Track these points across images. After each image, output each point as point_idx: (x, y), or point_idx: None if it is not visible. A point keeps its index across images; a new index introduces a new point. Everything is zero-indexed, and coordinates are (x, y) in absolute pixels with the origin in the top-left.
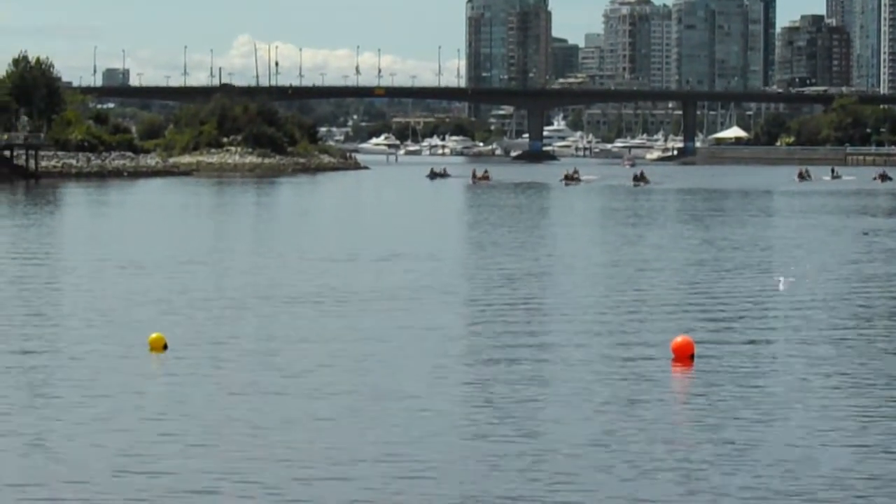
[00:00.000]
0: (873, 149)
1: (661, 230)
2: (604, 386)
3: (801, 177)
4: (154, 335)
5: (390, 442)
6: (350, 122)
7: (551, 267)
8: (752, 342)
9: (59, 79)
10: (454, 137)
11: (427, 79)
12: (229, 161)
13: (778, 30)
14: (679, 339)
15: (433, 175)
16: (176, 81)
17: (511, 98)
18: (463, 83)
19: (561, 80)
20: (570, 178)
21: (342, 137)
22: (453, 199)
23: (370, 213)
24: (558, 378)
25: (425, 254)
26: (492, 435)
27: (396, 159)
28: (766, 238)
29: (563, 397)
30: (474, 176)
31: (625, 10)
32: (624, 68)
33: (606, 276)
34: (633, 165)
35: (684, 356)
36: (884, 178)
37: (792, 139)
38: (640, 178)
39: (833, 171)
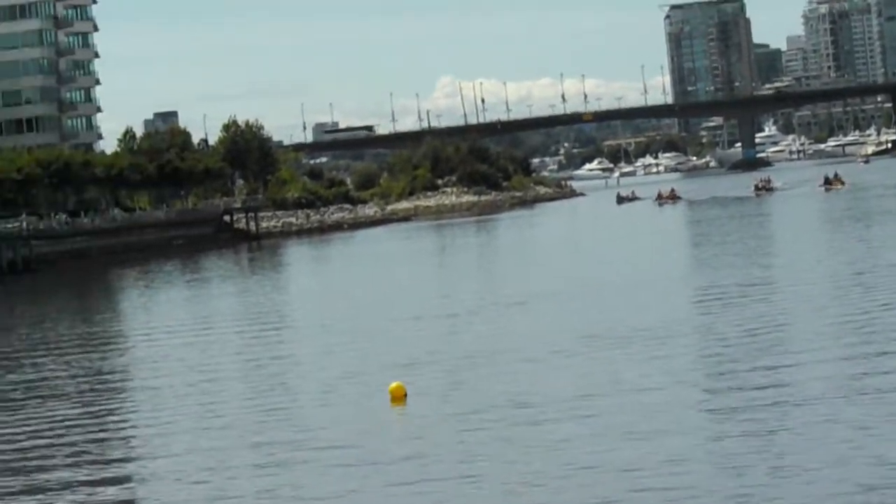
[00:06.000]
0: None
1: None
2: (843, 390)
3: None
4: (394, 384)
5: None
6: (561, 151)
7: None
8: None
9: (270, 139)
10: (667, 154)
11: (633, 99)
12: (446, 202)
13: None
14: None
15: (620, 199)
16: (384, 129)
17: (719, 109)
18: (669, 99)
19: (767, 86)
20: (762, 188)
21: (555, 166)
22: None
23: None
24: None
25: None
26: (733, 449)
27: (617, 182)
28: None
29: (797, 403)
30: (660, 196)
31: (823, 8)
32: (829, 67)
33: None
34: (867, 163)
35: None
36: None
37: None
38: (832, 182)
39: None
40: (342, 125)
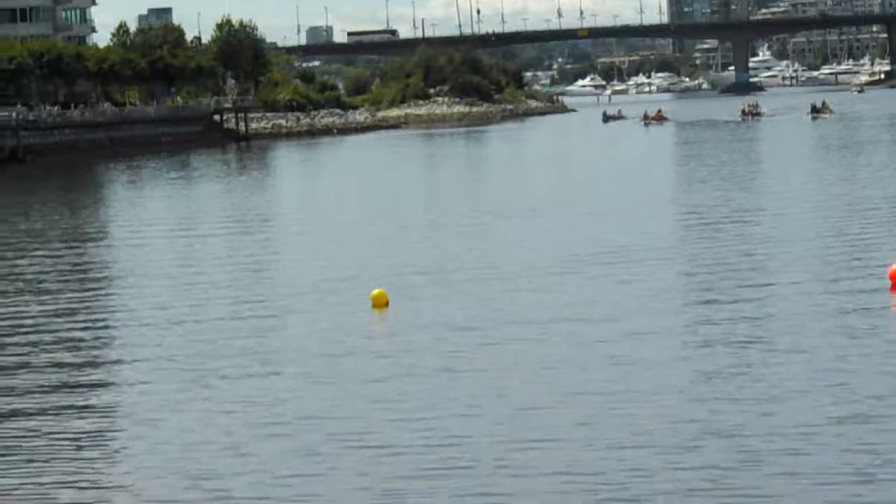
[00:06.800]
0: None
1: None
2: (822, 316)
3: None
4: (376, 291)
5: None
6: (555, 66)
7: (755, 203)
8: None
9: (263, 40)
10: (660, 74)
11: (629, 17)
12: (437, 112)
13: None
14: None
15: (606, 118)
16: (379, 36)
17: (714, 31)
18: (665, 19)
19: (764, 11)
20: (749, 113)
21: (548, 81)
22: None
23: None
24: (775, 313)
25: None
26: (711, 374)
27: (609, 99)
28: None
29: (780, 329)
30: (646, 116)
31: None
32: None
33: (816, 209)
34: (861, 92)
35: None
36: None
37: None
38: (819, 110)
39: None
40: (336, 30)
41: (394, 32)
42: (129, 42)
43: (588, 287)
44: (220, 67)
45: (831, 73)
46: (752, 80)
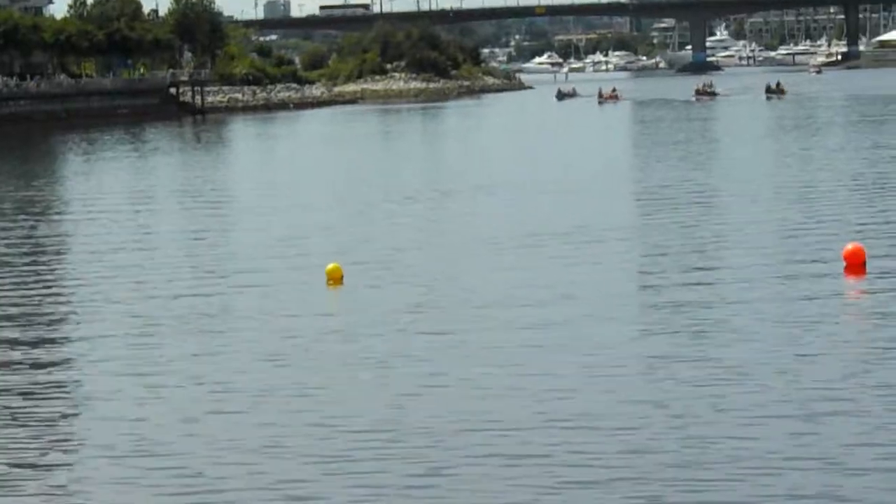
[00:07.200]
0: None
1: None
2: (775, 299)
3: None
4: (331, 266)
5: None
6: (512, 43)
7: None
8: None
9: (220, 13)
10: (617, 53)
11: None
12: (394, 87)
13: None
14: (850, 246)
15: (561, 96)
16: (352, 10)
17: (672, 10)
18: None
19: None
20: (703, 93)
21: (505, 58)
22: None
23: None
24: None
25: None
26: (661, 356)
27: (566, 77)
28: None
29: (732, 311)
30: (601, 95)
31: None
32: None
33: (772, 187)
34: (819, 73)
35: (856, 264)
36: None
37: None
38: (774, 91)
39: None
40: (294, 4)
41: (367, 7)
42: (85, 14)
43: (543, 267)
44: (177, 40)
45: (788, 54)
46: (709, 59)
